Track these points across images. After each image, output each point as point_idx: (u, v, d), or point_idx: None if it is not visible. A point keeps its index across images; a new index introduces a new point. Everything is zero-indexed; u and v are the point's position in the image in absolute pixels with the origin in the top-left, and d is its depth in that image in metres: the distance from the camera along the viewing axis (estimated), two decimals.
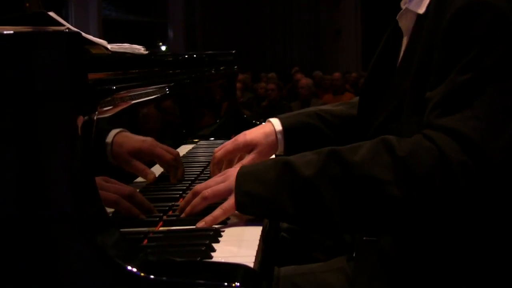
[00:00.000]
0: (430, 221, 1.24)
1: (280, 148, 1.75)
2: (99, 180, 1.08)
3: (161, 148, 1.69)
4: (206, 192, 1.37)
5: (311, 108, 1.89)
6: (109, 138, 1.43)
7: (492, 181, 1.20)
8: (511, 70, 1.24)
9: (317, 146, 1.34)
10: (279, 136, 1.74)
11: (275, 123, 1.75)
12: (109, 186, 1.31)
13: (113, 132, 1.45)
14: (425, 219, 1.23)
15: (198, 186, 1.41)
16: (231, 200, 1.33)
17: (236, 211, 1.34)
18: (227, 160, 1.73)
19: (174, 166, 1.71)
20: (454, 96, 1.24)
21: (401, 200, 1.20)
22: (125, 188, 1.36)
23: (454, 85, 1.25)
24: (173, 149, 1.73)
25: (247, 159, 1.67)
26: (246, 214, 1.35)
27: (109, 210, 1.29)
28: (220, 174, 1.43)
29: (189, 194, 1.41)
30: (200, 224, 1.32)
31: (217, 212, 1.33)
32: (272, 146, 1.72)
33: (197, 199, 1.37)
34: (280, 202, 1.27)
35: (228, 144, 1.71)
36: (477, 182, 1.19)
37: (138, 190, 1.54)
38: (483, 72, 1.23)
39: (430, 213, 1.22)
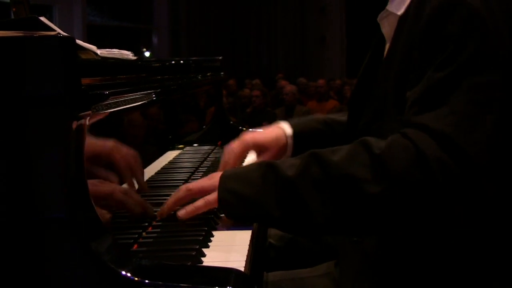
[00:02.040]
0: (410, 218, 1.24)
1: (288, 153, 1.77)
2: (93, 181, 1.08)
3: (120, 155, 1.53)
4: (191, 185, 1.39)
5: (320, 116, 1.91)
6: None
7: (470, 176, 1.20)
8: (485, 65, 1.25)
9: None
10: (289, 140, 1.76)
11: (286, 127, 1.78)
12: (104, 184, 1.31)
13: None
14: (404, 216, 1.23)
15: (184, 185, 1.43)
16: (214, 194, 1.34)
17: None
18: (234, 163, 1.71)
19: (125, 176, 1.55)
20: (431, 93, 1.26)
21: (379, 197, 1.21)
22: (121, 186, 1.37)
23: (430, 83, 1.26)
24: (132, 159, 1.59)
25: (258, 160, 1.69)
26: (227, 214, 1.36)
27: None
28: (206, 176, 1.44)
29: (175, 192, 1.42)
30: (181, 212, 1.35)
31: (199, 202, 1.35)
32: (283, 150, 1.75)
33: (181, 191, 1.39)
34: (263, 202, 1.28)
35: (235, 144, 1.70)
36: (454, 177, 1.19)
37: None
38: (458, 68, 1.24)
39: (409, 209, 1.22)
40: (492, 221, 1.31)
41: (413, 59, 1.33)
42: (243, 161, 1.79)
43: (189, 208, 1.35)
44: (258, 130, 1.81)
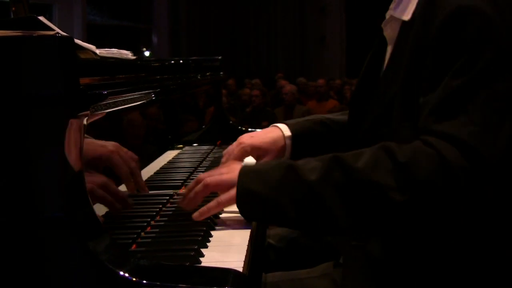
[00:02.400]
0: (431, 225, 1.26)
1: (287, 154, 1.77)
2: None
3: (120, 158, 1.53)
4: (209, 180, 1.38)
5: (318, 116, 1.91)
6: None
7: (491, 184, 1.22)
8: (501, 72, 1.27)
9: (322, 153, 1.35)
10: (288, 141, 1.76)
11: (283, 129, 1.78)
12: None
13: None
14: (426, 223, 1.26)
15: (201, 175, 1.42)
16: (231, 193, 1.34)
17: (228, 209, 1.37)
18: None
19: (126, 180, 1.57)
20: (449, 102, 1.27)
21: (402, 205, 1.23)
22: (100, 178, 1.35)
23: (448, 91, 1.27)
24: (132, 162, 1.58)
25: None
26: (242, 213, 1.36)
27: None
28: (224, 165, 1.43)
29: (192, 182, 1.43)
30: (195, 215, 1.35)
31: (213, 203, 1.36)
32: (281, 152, 1.75)
33: (199, 186, 1.39)
34: (281, 204, 1.28)
35: (234, 150, 1.73)
36: (477, 185, 1.21)
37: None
38: (474, 76, 1.26)
39: (431, 217, 1.24)
40: (499, 224, 1.32)
41: (423, 65, 1.33)
42: None
43: (203, 210, 1.36)
44: (257, 131, 1.81)
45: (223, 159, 1.75)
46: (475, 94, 1.25)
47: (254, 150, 1.73)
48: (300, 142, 1.77)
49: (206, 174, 1.42)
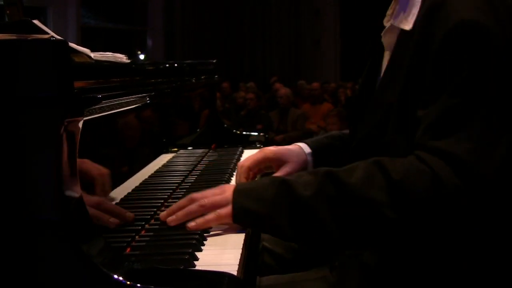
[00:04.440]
0: (424, 241, 1.28)
1: (309, 168, 1.77)
2: None
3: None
4: (204, 201, 1.38)
5: (335, 132, 1.93)
6: None
7: (486, 201, 1.22)
8: (501, 89, 1.26)
9: (341, 165, 1.36)
10: (309, 158, 1.78)
11: (303, 146, 1.80)
12: None
13: None
14: (418, 239, 1.27)
15: (194, 195, 1.41)
16: (227, 209, 1.34)
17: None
18: (253, 173, 1.76)
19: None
20: (447, 118, 1.27)
21: (395, 221, 1.23)
22: (93, 198, 1.33)
23: (446, 107, 1.27)
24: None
25: (280, 172, 1.70)
26: (243, 227, 1.37)
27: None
28: (217, 188, 1.43)
29: (183, 200, 1.41)
30: (191, 224, 1.34)
31: (211, 216, 1.35)
32: (302, 166, 1.76)
33: (193, 206, 1.38)
34: (277, 221, 1.30)
35: (257, 155, 1.74)
36: (470, 204, 1.21)
37: (119, 198, 1.54)
38: (473, 93, 1.26)
39: (423, 234, 1.25)
40: (497, 233, 1.33)
41: (423, 76, 1.33)
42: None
43: (200, 221, 1.35)
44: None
45: (242, 161, 1.75)
46: (473, 112, 1.25)
47: (277, 156, 1.74)
48: (320, 157, 1.79)
49: (199, 194, 1.40)
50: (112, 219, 1.33)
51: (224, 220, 1.35)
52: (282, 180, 1.33)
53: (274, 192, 1.31)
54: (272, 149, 1.76)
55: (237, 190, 1.36)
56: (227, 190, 1.38)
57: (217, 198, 1.38)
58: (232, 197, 1.35)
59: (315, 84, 10.00)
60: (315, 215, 1.27)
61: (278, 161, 1.74)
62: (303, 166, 1.76)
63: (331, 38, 15.35)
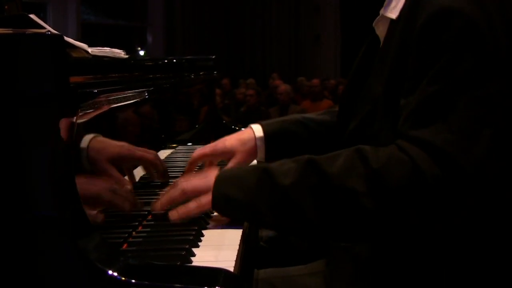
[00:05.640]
0: (404, 232, 1.26)
1: (261, 155, 1.76)
2: (80, 181, 1.07)
3: (140, 151, 1.69)
4: (185, 184, 1.39)
5: (296, 115, 1.90)
6: (84, 143, 1.41)
7: (467, 192, 1.21)
8: (482, 78, 1.24)
9: (298, 153, 1.35)
10: (259, 142, 1.75)
11: (256, 129, 1.76)
12: (91, 184, 1.30)
13: (88, 137, 1.43)
14: (397, 229, 1.25)
15: (178, 180, 1.42)
16: (207, 197, 1.34)
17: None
18: (206, 163, 1.78)
19: (158, 164, 1.73)
20: (426, 107, 1.25)
21: (374, 211, 1.22)
22: (108, 184, 1.36)
23: (426, 95, 1.25)
24: (150, 150, 1.74)
25: (230, 164, 1.70)
26: (221, 215, 1.37)
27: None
28: (203, 171, 1.44)
29: (169, 186, 1.43)
30: (172, 213, 1.35)
31: (192, 204, 1.36)
32: (250, 153, 1.74)
33: (176, 191, 1.39)
34: (258, 208, 1.29)
35: (207, 148, 1.75)
36: (450, 194, 1.20)
37: None
38: (454, 81, 1.24)
39: (402, 224, 1.24)
40: (488, 227, 1.32)
41: (407, 65, 1.32)
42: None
43: (181, 210, 1.35)
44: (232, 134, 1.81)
45: (194, 154, 1.76)
46: (453, 100, 1.23)
47: (223, 152, 1.73)
48: (274, 142, 1.76)
49: (182, 179, 1.42)
50: (127, 203, 1.36)
51: (206, 207, 1.35)
52: (264, 168, 1.32)
53: (255, 179, 1.31)
54: (221, 144, 1.74)
55: (218, 177, 1.35)
56: (209, 175, 1.38)
57: (199, 183, 1.38)
58: (213, 183, 1.34)
59: (315, 81, 10.00)
60: (295, 203, 1.26)
61: (227, 155, 1.73)
62: (251, 154, 1.74)
63: (331, 35, 15.34)
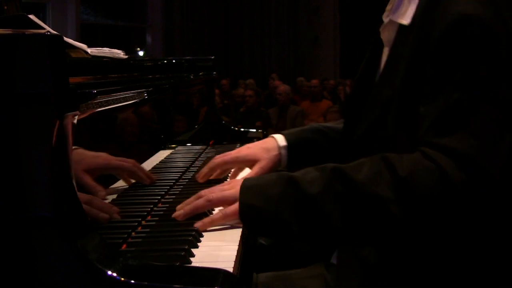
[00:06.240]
0: (430, 238, 1.27)
1: (283, 164, 1.76)
2: None
3: (117, 160, 1.65)
4: (211, 196, 1.39)
5: (314, 124, 1.91)
6: None
7: (493, 197, 1.22)
8: (501, 82, 1.26)
9: (320, 161, 1.35)
10: (283, 151, 1.75)
11: (279, 139, 1.77)
12: None
13: None
14: (424, 236, 1.27)
15: (203, 191, 1.42)
16: (234, 207, 1.34)
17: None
18: (222, 170, 1.77)
19: (136, 172, 1.69)
20: (449, 114, 1.26)
21: (402, 218, 1.23)
22: (83, 195, 1.33)
23: (448, 103, 1.26)
24: (128, 159, 1.69)
25: (250, 173, 1.69)
26: (247, 228, 1.36)
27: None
28: (226, 182, 1.44)
29: (192, 197, 1.42)
30: (198, 224, 1.34)
31: (218, 215, 1.35)
32: (274, 161, 1.74)
33: (201, 200, 1.39)
34: (284, 218, 1.29)
35: (229, 155, 1.74)
36: (478, 200, 1.21)
37: (116, 195, 1.53)
38: (475, 87, 1.25)
39: (429, 230, 1.25)
40: (501, 233, 1.32)
41: (424, 73, 1.32)
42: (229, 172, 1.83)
43: (207, 220, 1.35)
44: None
45: (216, 160, 1.75)
46: (475, 106, 1.24)
47: (246, 160, 1.73)
48: (296, 151, 1.76)
49: (207, 190, 1.42)
50: (102, 215, 1.33)
51: (231, 218, 1.35)
52: (289, 177, 1.33)
53: (280, 189, 1.31)
54: (244, 151, 1.74)
55: (244, 187, 1.35)
56: (235, 185, 1.38)
57: (225, 193, 1.38)
58: (239, 193, 1.34)
59: (315, 81, 9.99)
60: (321, 212, 1.27)
61: (250, 162, 1.73)
62: (275, 162, 1.74)
63: (331, 35, 15.34)
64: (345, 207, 1.26)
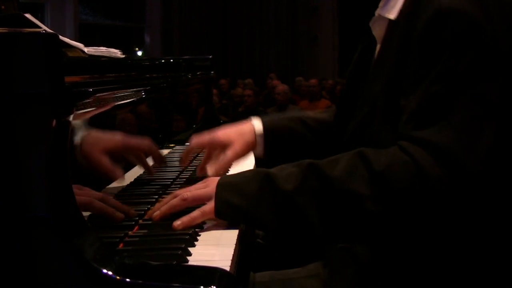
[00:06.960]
0: (409, 232, 1.26)
1: (259, 150, 1.76)
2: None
3: (135, 138, 1.71)
4: (186, 194, 1.38)
5: (296, 114, 1.90)
6: (77, 139, 1.40)
7: (471, 191, 1.21)
8: (482, 76, 1.24)
9: (298, 151, 1.35)
10: (258, 137, 1.75)
11: (256, 124, 1.77)
12: (81, 192, 1.30)
13: (81, 133, 1.43)
14: (402, 231, 1.25)
15: (178, 191, 1.42)
16: (210, 205, 1.34)
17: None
18: (205, 153, 1.79)
19: (154, 150, 1.78)
20: (428, 107, 1.25)
21: (378, 214, 1.22)
22: (97, 193, 1.35)
23: (427, 95, 1.25)
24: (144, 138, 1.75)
25: (226, 156, 1.69)
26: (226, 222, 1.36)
27: (85, 214, 1.28)
28: (201, 182, 1.43)
29: (168, 197, 1.42)
30: (177, 223, 1.33)
31: (195, 213, 1.34)
32: (248, 145, 1.74)
33: (176, 200, 1.38)
34: (260, 215, 1.29)
35: (205, 136, 1.75)
36: (455, 194, 1.20)
37: (113, 195, 1.53)
38: (455, 80, 1.24)
39: (406, 226, 1.24)
40: (489, 226, 1.31)
41: (407, 65, 1.32)
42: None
43: (185, 219, 1.34)
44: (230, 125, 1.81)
45: (192, 141, 1.78)
46: (454, 100, 1.23)
47: (221, 142, 1.73)
48: (273, 139, 1.76)
49: (183, 189, 1.42)
50: (118, 213, 1.34)
51: (209, 216, 1.35)
52: (265, 173, 1.32)
53: (256, 185, 1.31)
54: (219, 134, 1.74)
55: (220, 185, 1.35)
56: (210, 183, 1.38)
57: (200, 192, 1.38)
58: (215, 191, 1.34)
59: (313, 81, 10.00)
60: (297, 208, 1.26)
61: (225, 144, 1.72)
62: (250, 146, 1.74)
63: (329, 35, 15.34)
64: (320, 203, 1.25)
